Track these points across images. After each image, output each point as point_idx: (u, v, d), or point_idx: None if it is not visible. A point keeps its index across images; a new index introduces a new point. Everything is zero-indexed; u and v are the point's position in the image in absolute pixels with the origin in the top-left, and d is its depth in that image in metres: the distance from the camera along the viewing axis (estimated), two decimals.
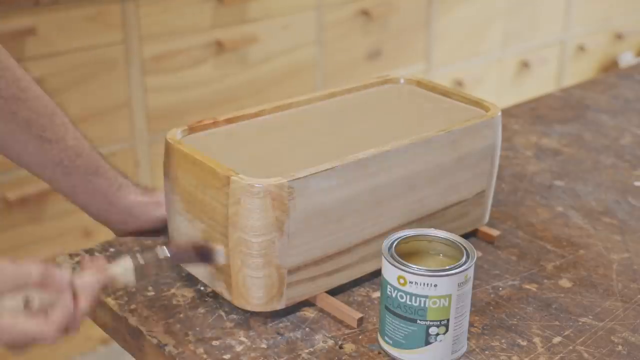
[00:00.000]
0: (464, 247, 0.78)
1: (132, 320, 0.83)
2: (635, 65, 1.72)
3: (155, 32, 1.92)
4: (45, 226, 1.85)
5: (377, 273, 0.81)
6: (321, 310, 0.85)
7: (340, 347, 0.80)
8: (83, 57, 1.83)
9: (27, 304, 0.68)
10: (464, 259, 0.76)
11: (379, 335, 0.79)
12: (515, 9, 2.77)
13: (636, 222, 1.03)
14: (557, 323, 0.83)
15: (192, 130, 0.88)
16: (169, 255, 0.79)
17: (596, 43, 3.09)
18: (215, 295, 0.87)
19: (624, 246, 0.98)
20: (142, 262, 0.77)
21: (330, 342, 0.80)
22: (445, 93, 1.01)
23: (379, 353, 0.79)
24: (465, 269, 0.75)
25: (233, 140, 0.90)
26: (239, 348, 0.79)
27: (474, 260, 0.76)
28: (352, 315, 0.82)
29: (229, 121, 0.92)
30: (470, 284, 0.76)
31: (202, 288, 0.88)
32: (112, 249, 0.95)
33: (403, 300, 0.75)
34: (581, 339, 0.81)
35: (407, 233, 0.80)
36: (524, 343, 0.80)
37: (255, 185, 0.77)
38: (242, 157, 0.85)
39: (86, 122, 1.80)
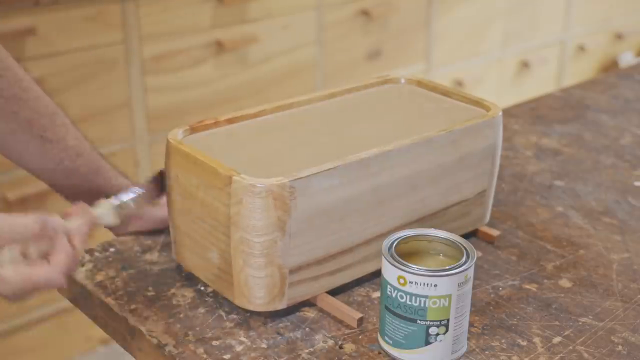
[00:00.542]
0: (464, 247, 0.78)
1: (132, 320, 0.83)
2: (635, 65, 1.72)
3: (155, 32, 1.92)
4: None
5: (377, 273, 0.82)
6: (321, 310, 0.85)
7: (340, 347, 0.80)
8: (83, 57, 1.83)
9: (25, 256, 0.72)
10: (464, 259, 0.76)
11: (379, 335, 0.79)
12: (515, 9, 2.77)
13: (636, 222, 1.03)
14: (557, 323, 0.83)
15: (193, 130, 0.88)
16: (143, 190, 0.87)
17: (596, 43, 3.09)
18: (215, 295, 0.87)
19: (624, 246, 0.98)
20: (119, 202, 0.85)
21: (330, 342, 0.80)
22: (445, 93, 1.01)
23: (379, 353, 0.79)
24: (465, 269, 0.75)
25: (234, 140, 0.90)
26: (239, 348, 0.79)
27: (474, 260, 0.76)
28: (352, 315, 0.82)
29: (230, 121, 0.92)
30: (470, 284, 0.76)
31: (202, 288, 0.88)
32: (112, 249, 0.95)
33: (403, 300, 0.75)
34: (581, 339, 0.81)
35: (407, 233, 0.80)
36: (524, 343, 0.80)
37: (257, 185, 0.77)
38: (244, 157, 0.85)
39: (86, 122, 1.80)
